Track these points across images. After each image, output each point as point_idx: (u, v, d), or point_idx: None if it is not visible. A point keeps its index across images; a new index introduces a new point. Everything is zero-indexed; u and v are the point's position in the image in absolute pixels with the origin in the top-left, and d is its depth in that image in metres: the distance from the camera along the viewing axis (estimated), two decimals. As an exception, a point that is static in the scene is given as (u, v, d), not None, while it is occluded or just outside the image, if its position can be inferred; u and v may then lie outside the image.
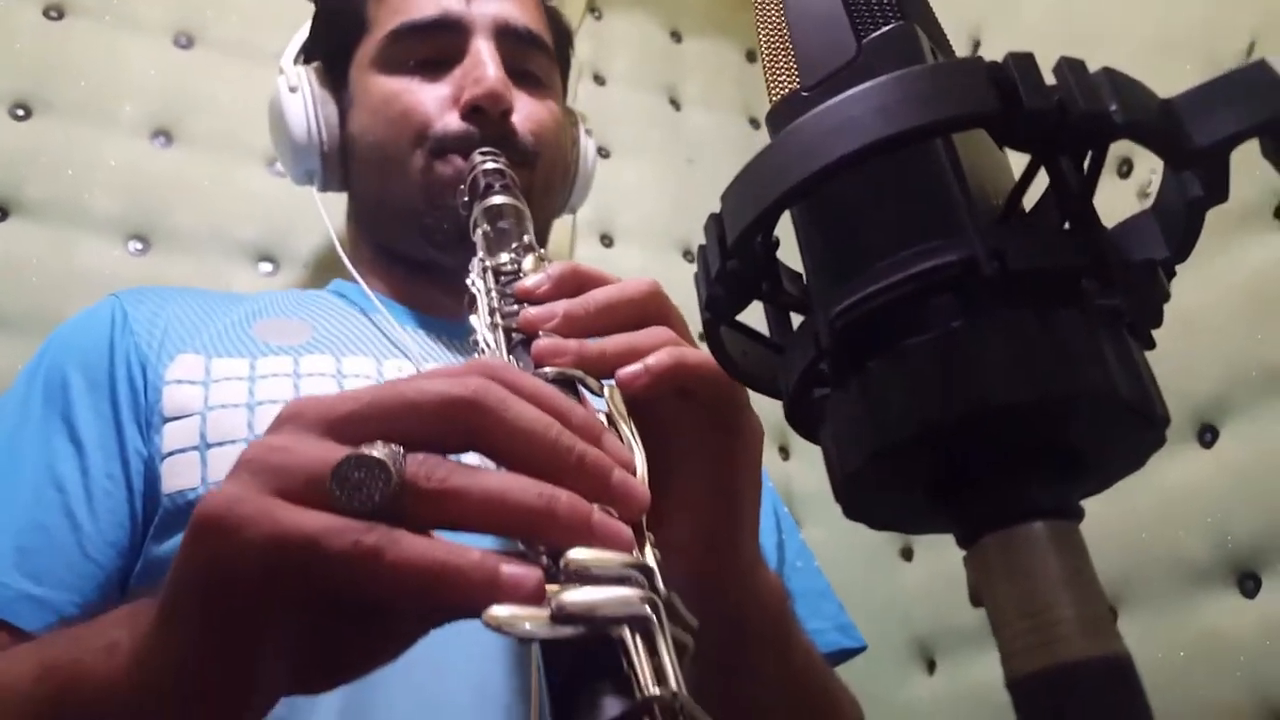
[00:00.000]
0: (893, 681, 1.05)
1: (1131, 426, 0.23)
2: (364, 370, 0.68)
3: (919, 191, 0.25)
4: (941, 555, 1.05)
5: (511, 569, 0.30)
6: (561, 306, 0.47)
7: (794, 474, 1.16)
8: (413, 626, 0.36)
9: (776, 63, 0.31)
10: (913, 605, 1.06)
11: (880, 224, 0.25)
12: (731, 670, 0.54)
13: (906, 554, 1.09)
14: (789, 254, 0.31)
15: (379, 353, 0.70)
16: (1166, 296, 0.25)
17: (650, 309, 0.48)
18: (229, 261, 0.97)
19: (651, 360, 0.44)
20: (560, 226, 1.05)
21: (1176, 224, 0.26)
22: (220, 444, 0.61)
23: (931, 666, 1.04)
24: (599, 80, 1.23)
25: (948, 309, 0.23)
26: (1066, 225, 0.25)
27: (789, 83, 0.30)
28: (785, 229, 0.30)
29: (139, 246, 0.95)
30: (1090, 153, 0.24)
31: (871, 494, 0.25)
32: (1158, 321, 0.25)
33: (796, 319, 0.29)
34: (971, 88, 0.23)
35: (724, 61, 1.34)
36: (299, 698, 0.55)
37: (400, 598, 0.31)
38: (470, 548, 0.31)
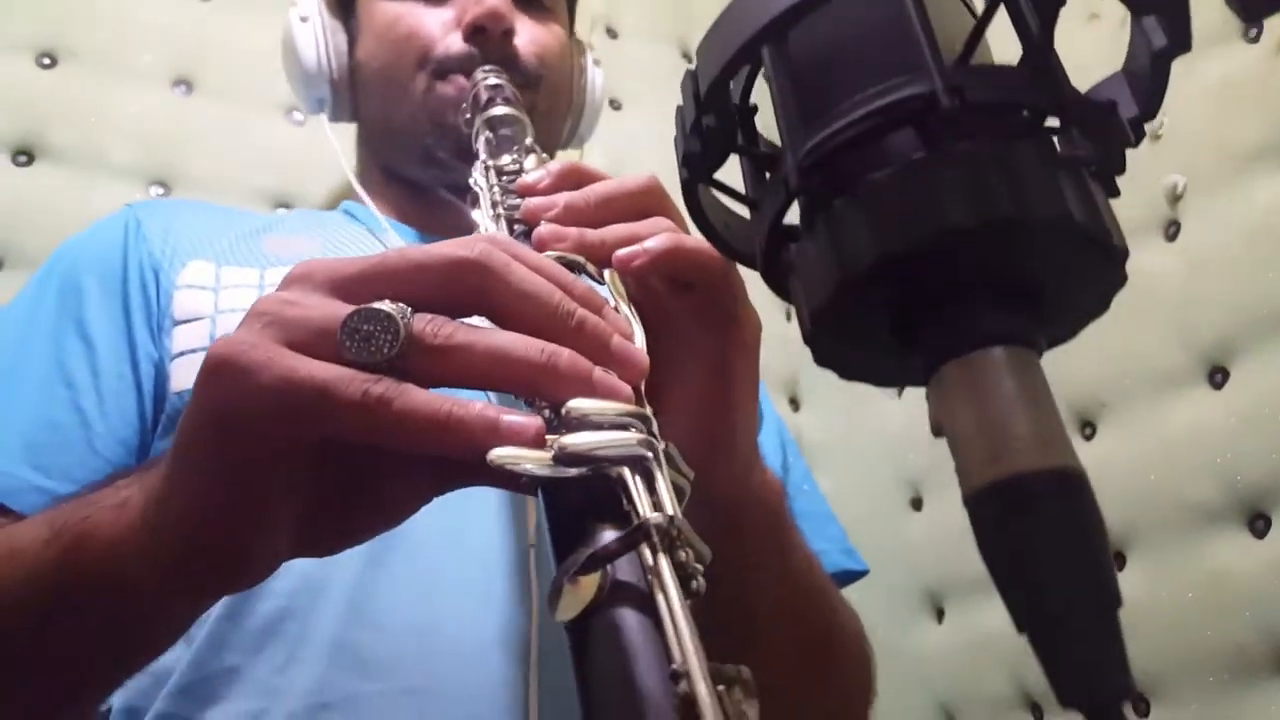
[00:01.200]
0: (902, 630, 1.05)
1: (1089, 258, 0.24)
2: None
3: (883, 32, 0.25)
4: (951, 504, 1.04)
5: (512, 418, 0.31)
6: (562, 197, 0.47)
7: (804, 425, 1.17)
8: (416, 491, 0.37)
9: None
10: (922, 554, 1.07)
11: (845, 66, 0.25)
12: (730, 566, 0.55)
13: (916, 504, 1.10)
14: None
15: None
16: (1129, 142, 0.25)
17: (650, 202, 0.49)
18: (248, 207, 0.99)
19: (651, 243, 0.44)
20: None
21: (1145, 80, 0.26)
22: None
23: (940, 615, 1.05)
24: (611, 34, 1.24)
25: (910, 145, 0.24)
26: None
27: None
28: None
29: (159, 192, 0.97)
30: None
31: (838, 336, 0.26)
32: (1120, 168, 0.26)
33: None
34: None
35: (739, 16, 1.34)
36: (302, 591, 0.57)
37: (406, 445, 0.32)
38: (473, 400, 0.32)
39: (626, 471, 0.30)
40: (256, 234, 0.73)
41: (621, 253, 0.44)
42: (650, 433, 0.32)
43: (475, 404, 0.31)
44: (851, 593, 0.92)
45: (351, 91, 0.82)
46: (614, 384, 0.34)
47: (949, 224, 0.22)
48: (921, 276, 0.24)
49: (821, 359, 0.27)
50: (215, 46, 1.03)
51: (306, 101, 0.85)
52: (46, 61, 0.97)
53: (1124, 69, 0.28)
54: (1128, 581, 0.83)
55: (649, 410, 0.34)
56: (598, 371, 0.34)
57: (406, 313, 0.32)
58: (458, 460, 0.37)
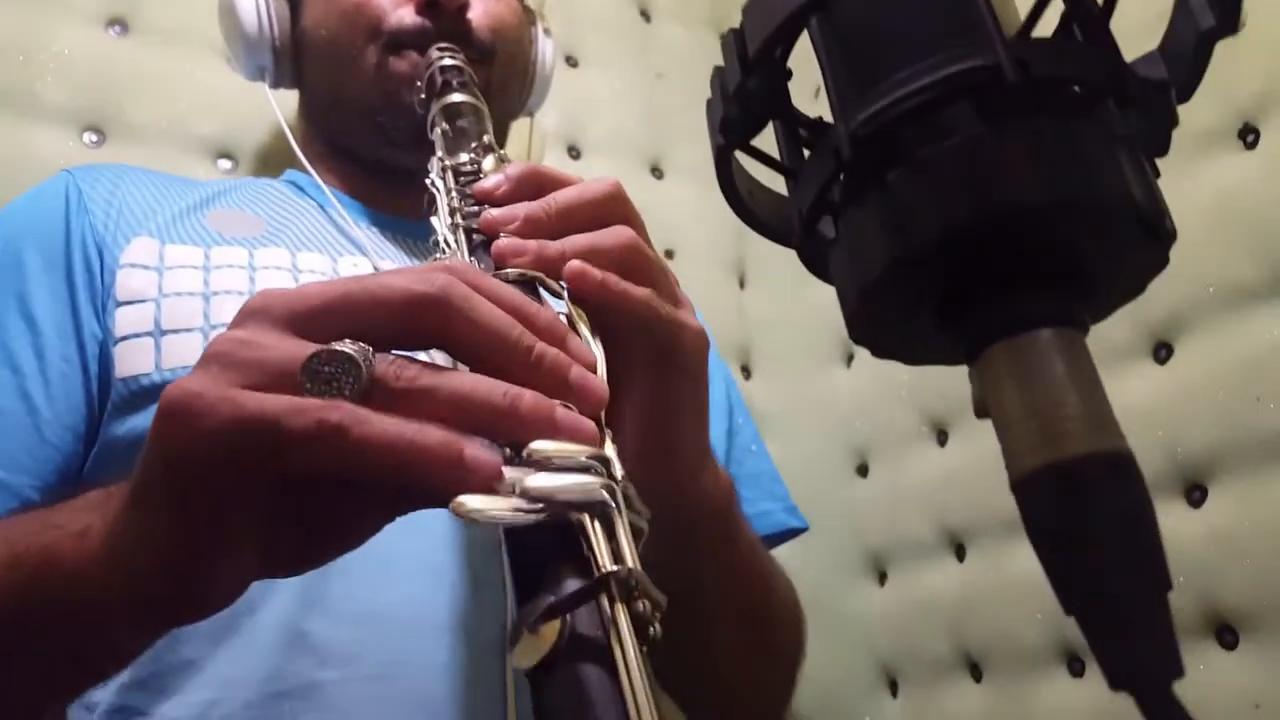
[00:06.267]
0: (845, 592, 1.07)
1: (1140, 240, 0.24)
2: (319, 266, 0.68)
3: (940, 4, 0.25)
4: (894, 471, 1.07)
5: (474, 451, 0.31)
6: (523, 209, 0.47)
7: (755, 393, 1.17)
8: (375, 516, 0.37)
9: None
10: (866, 519, 1.09)
11: (902, 35, 0.25)
12: (679, 564, 0.56)
13: (862, 470, 1.12)
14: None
15: (334, 249, 0.70)
16: (1175, 122, 0.25)
17: (612, 210, 0.48)
18: (188, 157, 0.94)
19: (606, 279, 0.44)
20: (523, 134, 1.03)
21: (1184, 60, 0.26)
22: (175, 331, 0.61)
23: (883, 578, 1.07)
24: (568, -14, 1.21)
25: (966, 119, 0.23)
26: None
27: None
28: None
29: (94, 138, 0.92)
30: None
31: (880, 314, 0.26)
32: (1164, 149, 0.25)
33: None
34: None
35: (695, -26, 1.32)
36: (257, 585, 0.56)
37: (366, 474, 0.31)
38: (435, 428, 0.31)
39: (586, 518, 0.31)
40: (200, 207, 0.70)
41: (575, 265, 0.44)
42: (610, 474, 0.33)
43: (437, 433, 0.31)
44: (797, 556, 0.93)
45: (295, 59, 0.80)
46: (576, 424, 0.34)
47: (1018, 201, 0.22)
48: (974, 255, 0.23)
49: (859, 336, 0.26)
50: (153, -17, 0.98)
51: (246, 68, 0.82)
52: (-33, -6, 0.91)
53: (1162, 48, 0.28)
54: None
55: (610, 448, 0.35)
56: (560, 411, 0.34)
57: (369, 354, 0.32)
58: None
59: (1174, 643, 0.22)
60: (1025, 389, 0.23)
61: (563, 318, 0.41)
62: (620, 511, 0.31)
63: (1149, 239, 0.24)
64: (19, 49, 0.91)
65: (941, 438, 1.02)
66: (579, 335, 0.41)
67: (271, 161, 0.97)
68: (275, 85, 0.81)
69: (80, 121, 0.91)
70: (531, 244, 0.45)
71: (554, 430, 0.33)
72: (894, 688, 1.02)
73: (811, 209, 0.27)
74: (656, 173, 1.20)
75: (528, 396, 0.33)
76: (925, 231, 0.23)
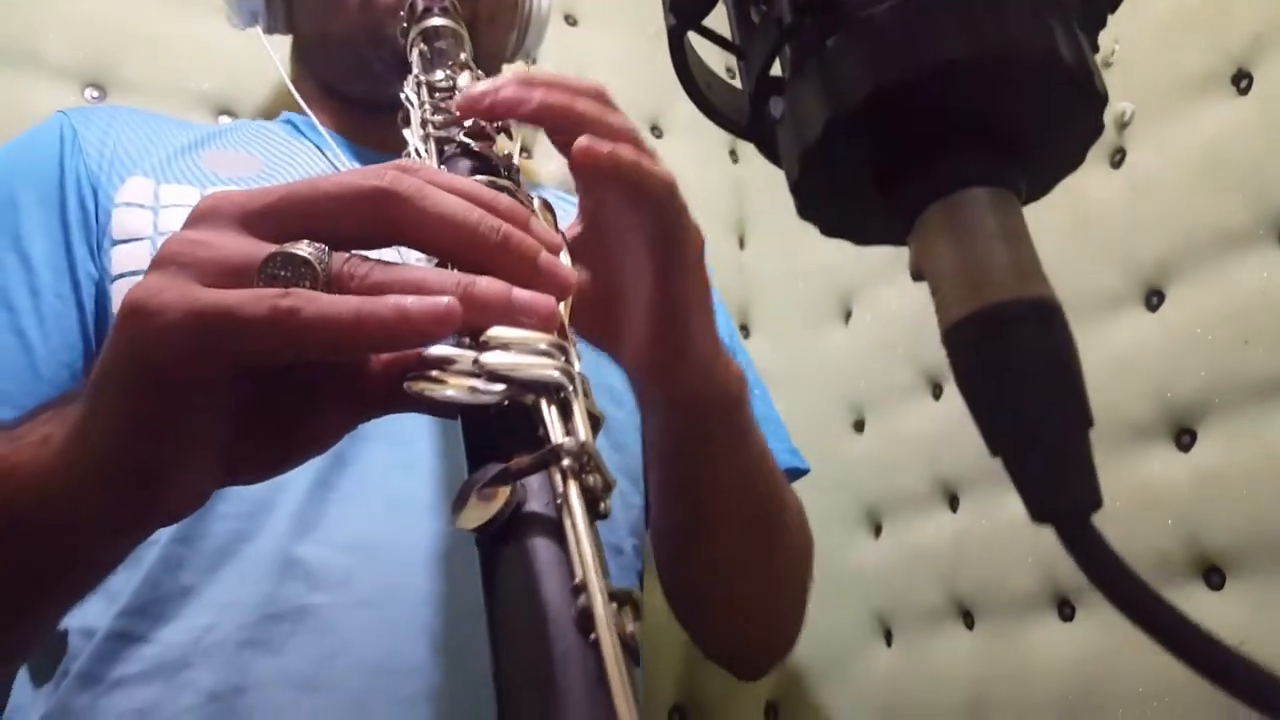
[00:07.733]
0: (842, 544, 1.09)
1: (1070, 101, 0.25)
2: None
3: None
4: (891, 426, 1.08)
5: (420, 302, 0.31)
6: (501, 80, 0.47)
7: (755, 350, 1.18)
8: (338, 420, 0.37)
9: None
10: (862, 474, 1.10)
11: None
12: (688, 451, 0.57)
13: (859, 426, 1.12)
14: None
15: None
16: (1110, 3, 0.26)
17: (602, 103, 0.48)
18: (188, 113, 0.95)
19: (618, 149, 0.44)
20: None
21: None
22: None
23: (878, 531, 1.08)
24: (567, -57, 1.21)
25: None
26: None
27: None
28: None
29: (95, 94, 0.93)
30: None
31: (823, 185, 0.27)
32: (1101, 23, 0.26)
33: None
34: None
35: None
36: (254, 513, 0.57)
37: (324, 352, 0.31)
38: (383, 297, 0.31)
39: (543, 401, 0.31)
40: (195, 147, 0.71)
41: (584, 142, 0.43)
42: (568, 362, 0.33)
43: (387, 297, 0.31)
44: (796, 506, 0.94)
45: (287, 2, 0.81)
46: (533, 300, 0.33)
47: (943, 56, 0.23)
48: (908, 118, 0.24)
49: (805, 210, 0.27)
50: (154, -59, 0.99)
51: (240, 13, 0.83)
52: (-31, -49, 0.92)
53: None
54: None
55: (570, 338, 0.35)
56: (517, 291, 0.33)
57: (324, 255, 0.32)
58: (378, 387, 0.36)
59: (1093, 475, 0.23)
60: (956, 246, 0.24)
61: None
62: (577, 395, 0.32)
63: (1079, 100, 0.24)
64: (20, 5, 0.92)
65: (936, 391, 1.02)
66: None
67: (271, 117, 0.98)
68: (269, 30, 0.83)
69: (81, 78, 0.93)
70: (507, 91, 0.45)
71: (511, 311, 0.33)
72: (888, 637, 1.04)
73: (759, 86, 0.28)
74: (656, 131, 1.20)
75: (482, 281, 0.33)
76: (857, 91, 0.24)
